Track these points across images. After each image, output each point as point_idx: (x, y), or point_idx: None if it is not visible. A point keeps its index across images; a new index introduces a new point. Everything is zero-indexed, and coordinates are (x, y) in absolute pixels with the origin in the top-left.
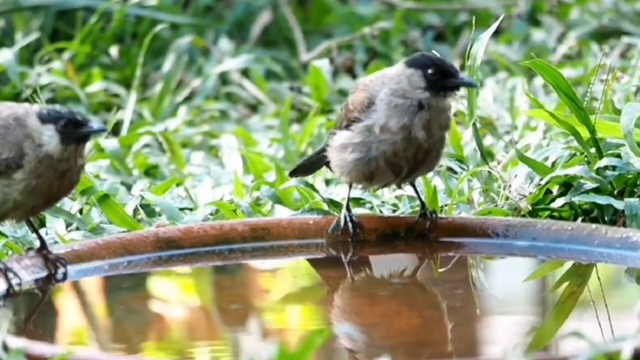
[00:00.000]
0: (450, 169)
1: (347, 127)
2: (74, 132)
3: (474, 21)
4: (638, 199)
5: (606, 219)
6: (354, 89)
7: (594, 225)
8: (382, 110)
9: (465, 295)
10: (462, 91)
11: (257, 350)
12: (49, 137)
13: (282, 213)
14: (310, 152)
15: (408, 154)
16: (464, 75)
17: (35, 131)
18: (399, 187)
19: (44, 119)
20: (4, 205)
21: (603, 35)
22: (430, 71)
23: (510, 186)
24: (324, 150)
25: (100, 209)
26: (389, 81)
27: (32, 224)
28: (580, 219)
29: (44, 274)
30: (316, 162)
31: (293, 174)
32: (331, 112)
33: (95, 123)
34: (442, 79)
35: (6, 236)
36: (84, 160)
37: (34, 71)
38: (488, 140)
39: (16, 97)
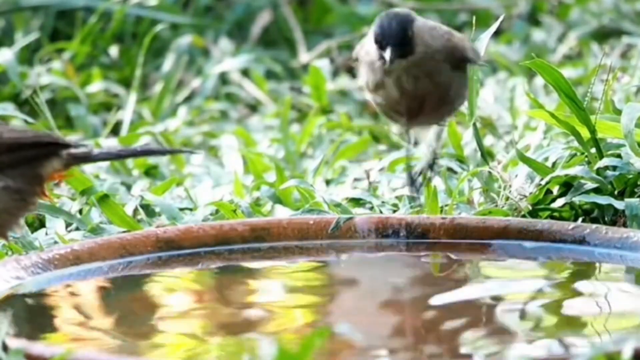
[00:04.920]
0: (450, 169)
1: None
2: None
3: (474, 21)
4: (638, 199)
5: (606, 219)
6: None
7: (594, 226)
8: (363, 68)
9: (465, 296)
10: None
11: (258, 351)
12: None
13: (282, 213)
14: (310, 152)
15: (403, 102)
16: (387, 51)
17: None
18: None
19: None
20: None
21: (603, 35)
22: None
23: (510, 186)
24: None
25: (100, 209)
26: (369, 41)
27: None
28: (580, 219)
29: (44, 274)
30: None
31: None
32: (331, 112)
33: None
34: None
35: None
36: None
37: (34, 71)
38: (488, 141)
39: (16, 97)
